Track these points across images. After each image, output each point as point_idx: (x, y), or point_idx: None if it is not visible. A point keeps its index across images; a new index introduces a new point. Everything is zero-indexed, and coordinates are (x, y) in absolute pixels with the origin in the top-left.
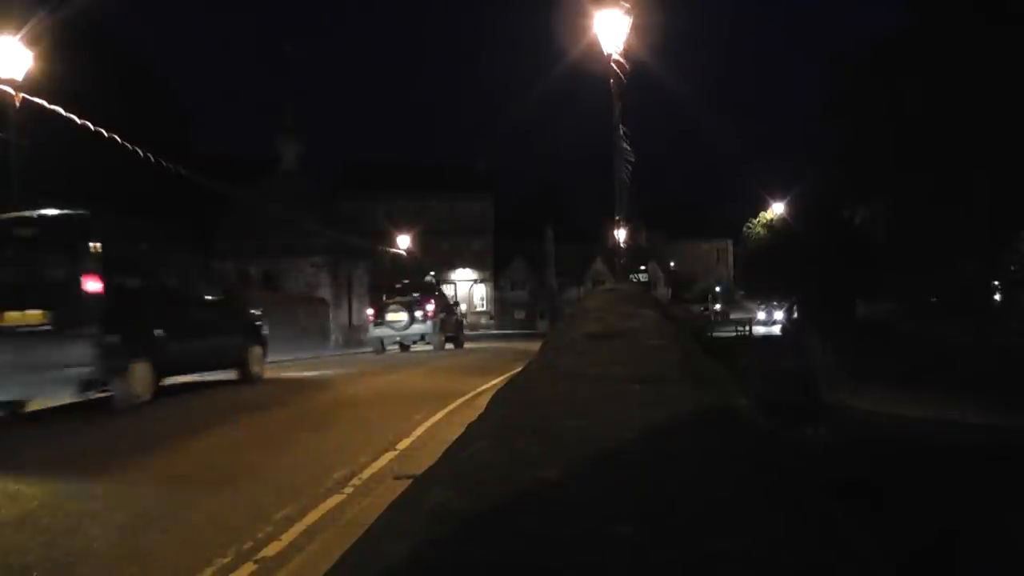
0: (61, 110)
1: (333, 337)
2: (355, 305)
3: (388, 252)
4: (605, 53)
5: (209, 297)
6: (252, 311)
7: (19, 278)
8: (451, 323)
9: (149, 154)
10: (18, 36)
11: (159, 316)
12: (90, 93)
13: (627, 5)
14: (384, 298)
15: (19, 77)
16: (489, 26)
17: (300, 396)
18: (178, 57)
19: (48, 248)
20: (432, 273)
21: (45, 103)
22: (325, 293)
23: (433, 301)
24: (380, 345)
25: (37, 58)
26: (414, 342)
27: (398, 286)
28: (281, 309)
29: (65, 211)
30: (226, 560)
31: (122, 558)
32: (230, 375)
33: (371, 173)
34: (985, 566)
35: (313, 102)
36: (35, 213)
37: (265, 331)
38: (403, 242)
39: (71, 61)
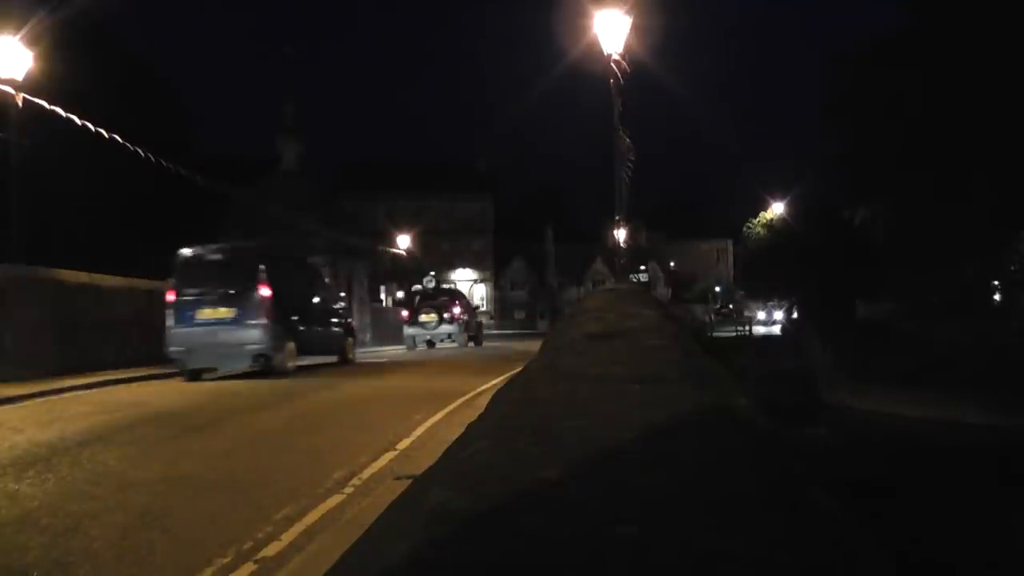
0: (61, 110)
1: None
2: (355, 305)
3: (388, 252)
4: (605, 53)
5: (323, 299)
6: (348, 311)
7: (213, 288)
8: (473, 324)
9: (149, 154)
10: (18, 36)
11: (298, 312)
12: (90, 93)
13: (627, 5)
14: (416, 301)
15: (19, 77)
16: (489, 26)
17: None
18: (178, 57)
19: (232, 268)
20: (432, 273)
21: (45, 104)
22: None
23: (459, 305)
24: (413, 342)
25: (37, 58)
26: (441, 340)
27: (429, 289)
28: None
29: (242, 243)
30: (226, 560)
31: (122, 558)
32: (332, 358)
33: (371, 173)
34: (986, 566)
35: (313, 102)
36: (218, 246)
37: (356, 326)
38: (403, 242)
39: (71, 61)
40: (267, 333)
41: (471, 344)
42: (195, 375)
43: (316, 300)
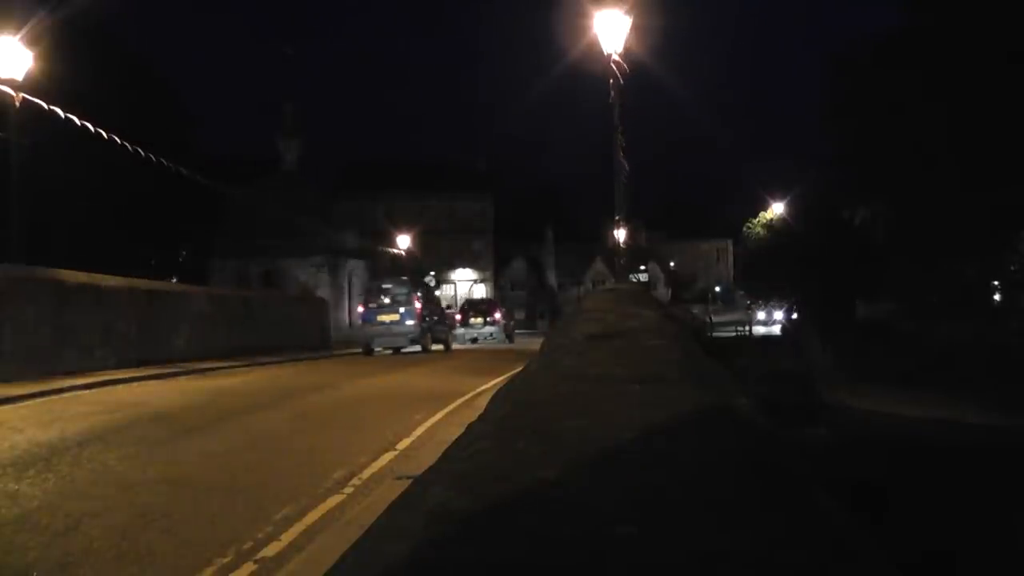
0: (60, 111)
1: (333, 337)
2: (354, 305)
3: (388, 252)
4: (605, 53)
5: (439, 307)
6: (448, 314)
7: (387, 302)
8: (509, 325)
9: (149, 154)
10: (18, 36)
11: (429, 316)
12: (90, 93)
13: (627, 5)
14: (466, 308)
15: (19, 77)
16: (489, 26)
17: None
18: (178, 57)
19: (399, 289)
20: (432, 273)
21: (44, 104)
22: (325, 293)
23: (499, 311)
24: (464, 339)
25: (37, 58)
26: (485, 338)
27: (475, 299)
28: (281, 309)
29: (403, 277)
30: (226, 560)
31: (122, 558)
32: (440, 347)
33: (371, 173)
34: (986, 566)
35: (313, 102)
36: (388, 279)
37: (453, 325)
38: (403, 242)
39: (71, 61)
40: (418, 328)
41: (507, 341)
42: (371, 352)
43: (435, 309)
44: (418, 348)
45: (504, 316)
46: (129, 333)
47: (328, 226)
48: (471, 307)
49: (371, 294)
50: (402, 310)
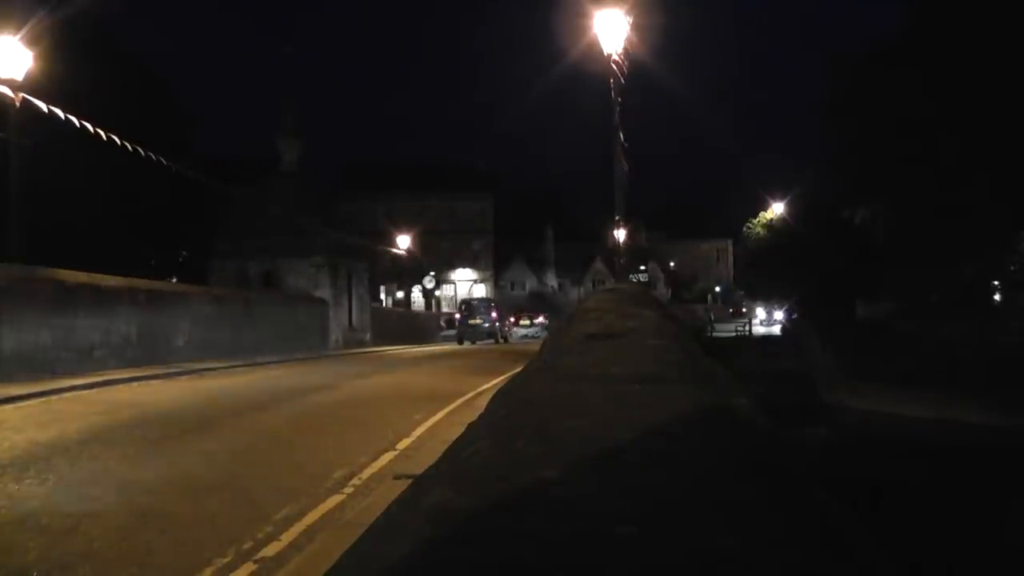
0: (60, 111)
1: (333, 337)
2: (355, 305)
3: (388, 252)
4: (605, 53)
5: (503, 312)
6: (506, 315)
7: (476, 311)
8: (551, 326)
9: (149, 154)
10: (18, 36)
11: (500, 319)
12: (90, 93)
13: (627, 5)
14: (517, 314)
15: (19, 77)
16: (490, 26)
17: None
18: (178, 57)
19: (482, 304)
20: (432, 273)
21: (44, 105)
22: (325, 293)
23: (542, 316)
24: (516, 336)
25: (37, 58)
26: (532, 335)
27: (523, 307)
28: (281, 309)
29: (486, 297)
30: (226, 560)
31: (122, 558)
32: (500, 340)
33: (371, 173)
34: (986, 565)
35: (314, 102)
36: (475, 296)
37: (509, 325)
38: (403, 242)
39: (71, 61)
40: (496, 328)
41: None
42: (462, 342)
43: (504, 315)
44: (492, 341)
45: (545, 319)
46: (129, 333)
47: (328, 226)
48: (518, 314)
49: (464, 307)
50: (484, 315)
